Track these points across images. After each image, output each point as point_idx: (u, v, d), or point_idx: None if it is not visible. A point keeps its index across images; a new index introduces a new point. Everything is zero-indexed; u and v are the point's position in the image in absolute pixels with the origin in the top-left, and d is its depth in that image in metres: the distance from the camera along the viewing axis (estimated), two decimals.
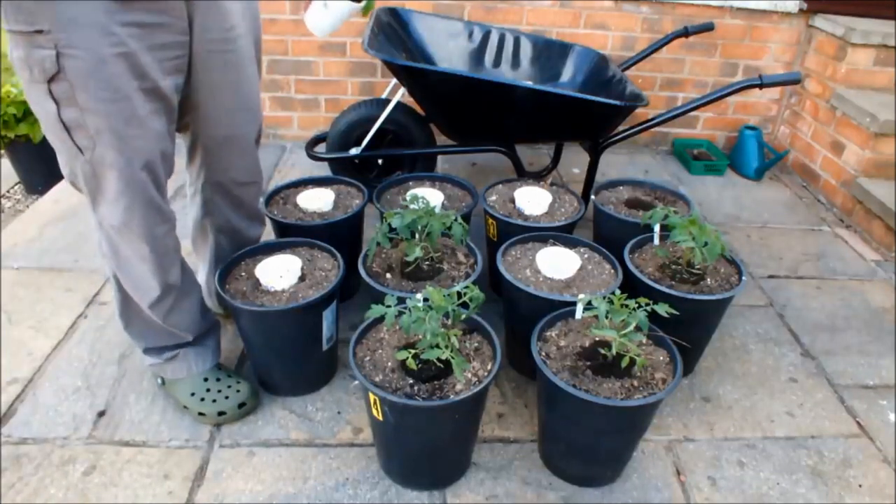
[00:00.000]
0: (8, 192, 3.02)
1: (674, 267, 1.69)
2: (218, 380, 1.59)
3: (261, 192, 1.72)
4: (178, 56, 1.27)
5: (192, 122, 1.45)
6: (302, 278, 1.60)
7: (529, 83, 2.29)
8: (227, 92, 1.42)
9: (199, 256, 1.79)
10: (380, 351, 1.39)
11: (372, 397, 1.28)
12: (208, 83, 1.38)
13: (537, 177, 2.44)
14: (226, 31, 1.33)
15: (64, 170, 1.30)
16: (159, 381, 1.62)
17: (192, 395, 1.57)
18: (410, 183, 2.14)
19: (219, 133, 1.48)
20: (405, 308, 1.31)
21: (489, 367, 1.34)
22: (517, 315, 1.67)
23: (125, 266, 1.40)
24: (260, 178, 1.67)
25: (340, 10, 1.75)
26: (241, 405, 1.57)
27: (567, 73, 2.64)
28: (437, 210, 1.71)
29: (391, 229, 1.62)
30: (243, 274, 1.62)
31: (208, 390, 1.57)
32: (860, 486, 1.52)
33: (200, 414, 1.56)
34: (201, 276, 1.80)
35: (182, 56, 1.29)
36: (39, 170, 2.95)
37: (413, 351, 1.30)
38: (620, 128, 2.28)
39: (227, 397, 1.56)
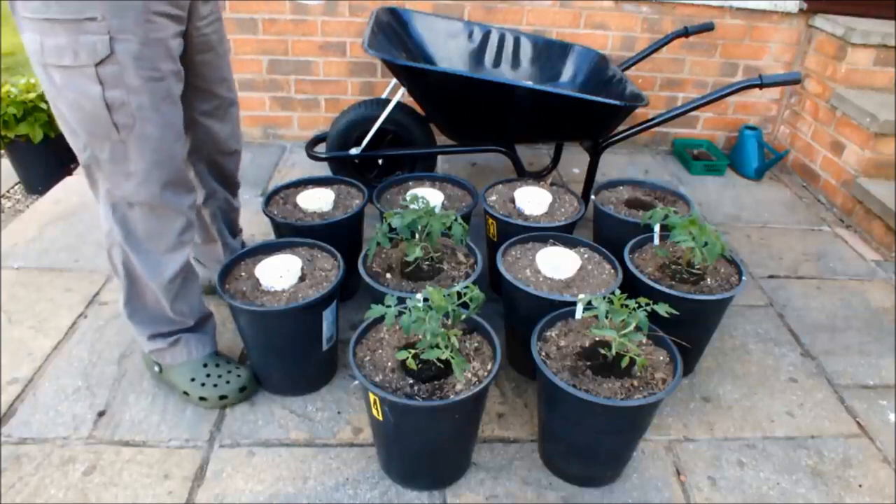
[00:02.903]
0: (8, 192, 3.01)
1: (674, 267, 1.69)
2: (217, 365, 1.62)
3: (240, 160, 1.83)
4: (181, 43, 1.40)
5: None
6: (302, 278, 1.60)
7: (529, 83, 2.29)
8: (214, 67, 1.58)
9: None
10: (380, 351, 1.39)
11: (372, 397, 1.28)
12: (201, 61, 1.53)
13: (537, 177, 2.44)
14: (211, 14, 1.51)
15: (83, 153, 1.36)
16: (156, 368, 1.63)
17: (193, 380, 1.59)
18: (410, 183, 2.14)
19: (208, 106, 1.62)
20: (405, 308, 1.31)
21: (489, 367, 1.34)
22: (517, 315, 1.67)
23: (143, 246, 1.45)
24: (241, 145, 1.80)
25: None
26: (241, 389, 1.60)
27: (567, 73, 2.64)
28: (437, 210, 1.71)
29: (391, 229, 1.62)
30: (243, 274, 1.62)
31: (208, 375, 1.60)
32: (860, 486, 1.52)
33: (202, 399, 1.58)
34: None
35: (182, 43, 1.42)
36: (39, 170, 2.95)
37: (413, 351, 1.30)
38: (620, 128, 2.28)
39: (227, 382, 1.59)
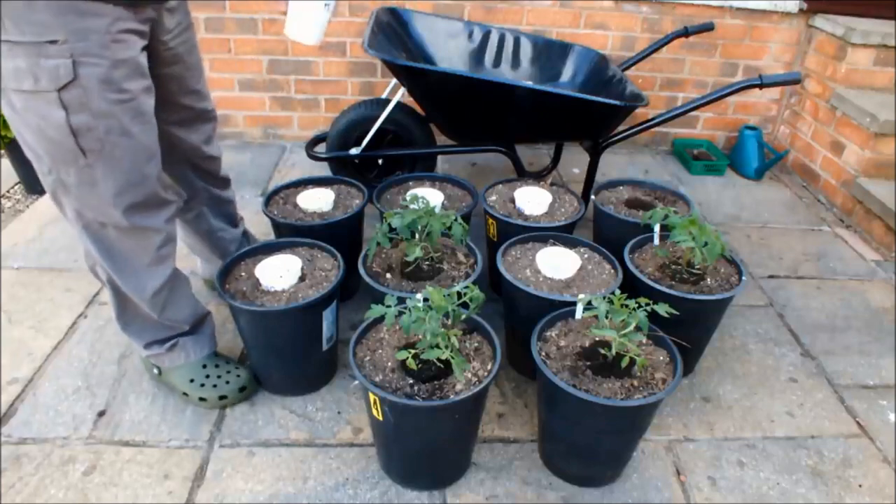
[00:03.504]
0: (8, 192, 3.01)
1: (674, 267, 1.69)
2: (216, 366, 1.62)
3: (220, 162, 1.78)
4: (146, 56, 1.34)
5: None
6: (302, 278, 1.60)
7: (529, 83, 2.29)
8: (181, 79, 1.51)
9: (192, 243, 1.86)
10: (380, 351, 1.39)
11: (372, 397, 1.28)
12: (168, 74, 1.46)
13: (537, 177, 2.44)
14: (178, 27, 1.44)
15: (47, 177, 1.30)
16: (155, 371, 1.63)
17: (192, 381, 1.59)
18: (410, 183, 2.14)
19: (176, 117, 1.55)
20: (405, 308, 1.31)
21: (489, 367, 1.34)
22: (517, 315, 1.67)
23: (122, 265, 1.42)
24: (218, 151, 1.74)
25: (318, 11, 1.72)
26: (241, 389, 1.60)
27: (567, 73, 2.64)
28: (437, 210, 1.71)
29: (391, 229, 1.62)
30: (243, 274, 1.62)
31: (208, 376, 1.60)
32: (860, 486, 1.52)
33: (202, 399, 1.58)
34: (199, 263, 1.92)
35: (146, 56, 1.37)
36: None
37: (413, 351, 1.30)
38: (620, 128, 2.28)
39: (227, 382, 1.59)
